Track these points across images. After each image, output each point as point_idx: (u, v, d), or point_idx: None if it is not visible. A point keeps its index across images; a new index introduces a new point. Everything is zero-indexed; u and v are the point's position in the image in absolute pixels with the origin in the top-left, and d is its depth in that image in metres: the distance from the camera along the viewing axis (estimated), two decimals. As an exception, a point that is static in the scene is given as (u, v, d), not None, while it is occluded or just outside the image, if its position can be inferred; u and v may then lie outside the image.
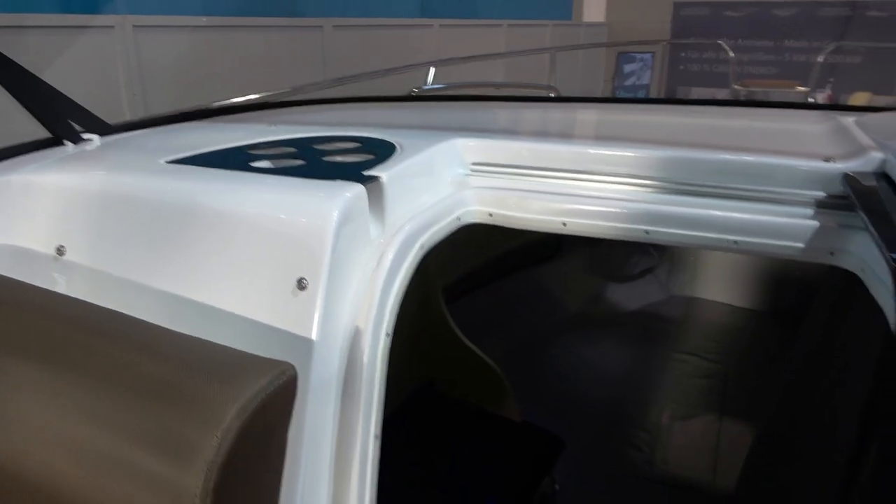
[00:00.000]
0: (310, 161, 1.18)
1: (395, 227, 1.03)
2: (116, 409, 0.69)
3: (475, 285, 3.45)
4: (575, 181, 1.14)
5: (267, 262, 0.91)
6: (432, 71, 3.75)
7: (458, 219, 1.17)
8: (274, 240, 0.92)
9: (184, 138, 1.45)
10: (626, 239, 1.11)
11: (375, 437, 0.93)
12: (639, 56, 10.00)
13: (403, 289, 0.98)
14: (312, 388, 0.85)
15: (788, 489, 1.85)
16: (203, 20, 4.58)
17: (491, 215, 1.19)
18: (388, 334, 0.95)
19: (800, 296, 3.98)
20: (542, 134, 1.52)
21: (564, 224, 1.13)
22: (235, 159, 1.19)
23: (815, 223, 0.97)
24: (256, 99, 2.47)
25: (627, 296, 4.14)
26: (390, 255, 0.97)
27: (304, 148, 1.25)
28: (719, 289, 4.19)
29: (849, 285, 1.59)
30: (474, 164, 1.21)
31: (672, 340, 3.68)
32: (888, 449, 1.26)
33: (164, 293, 0.95)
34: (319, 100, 2.34)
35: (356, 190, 0.97)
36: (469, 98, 2.84)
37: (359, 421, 0.90)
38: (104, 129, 1.46)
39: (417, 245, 1.04)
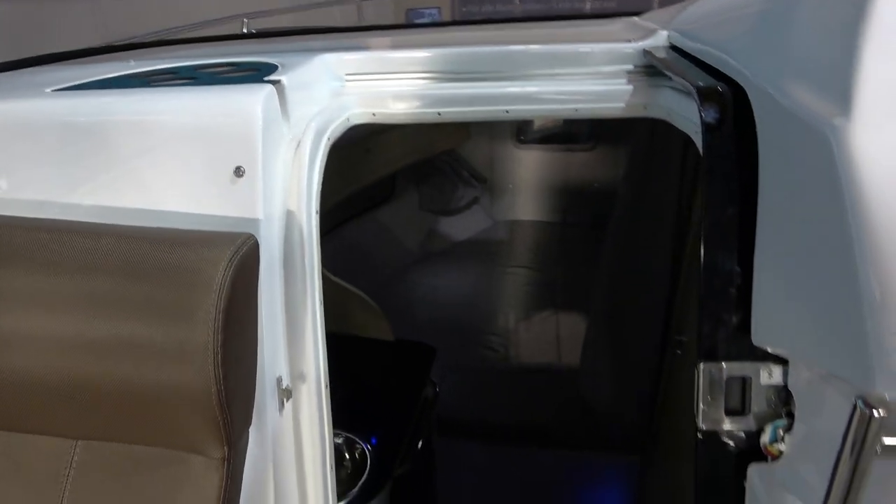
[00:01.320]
0: (202, 79, 1.24)
1: (300, 125, 1.16)
2: (110, 290, 0.76)
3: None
4: (442, 80, 1.34)
5: (201, 159, 1.00)
6: (246, 21, 3.69)
7: (348, 120, 1.31)
8: (205, 137, 1.00)
9: (51, 76, 1.39)
10: (492, 119, 1.36)
11: (320, 302, 1.08)
12: (426, 11, 10.38)
13: (321, 175, 1.12)
14: (263, 262, 0.97)
15: (623, 345, 2.29)
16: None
17: (374, 115, 1.35)
18: (317, 212, 1.09)
19: (600, 205, 4.64)
20: (398, 47, 1.68)
21: (439, 114, 1.34)
22: (128, 84, 1.21)
23: (629, 87, 1.27)
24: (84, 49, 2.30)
25: (459, 227, 4.51)
26: (307, 145, 1.11)
27: (187, 72, 1.30)
28: (535, 209, 4.72)
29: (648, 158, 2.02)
30: (348, 74, 1.36)
31: (504, 259, 4.11)
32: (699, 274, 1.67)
33: (106, 208, 0.99)
34: (149, 43, 2.27)
35: (268, 89, 1.08)
36: (301, 32, 2.90)
37: (306, 290, 1.04)
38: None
39: (325, 138, 1.18)
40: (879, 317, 0.62)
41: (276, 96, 1.10)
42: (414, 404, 2.28)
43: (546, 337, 3.15)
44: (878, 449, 0.64)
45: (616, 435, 2.54)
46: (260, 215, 0.98)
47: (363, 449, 1.99)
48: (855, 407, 0.63)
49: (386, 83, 1.36)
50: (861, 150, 0.65)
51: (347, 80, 1.37)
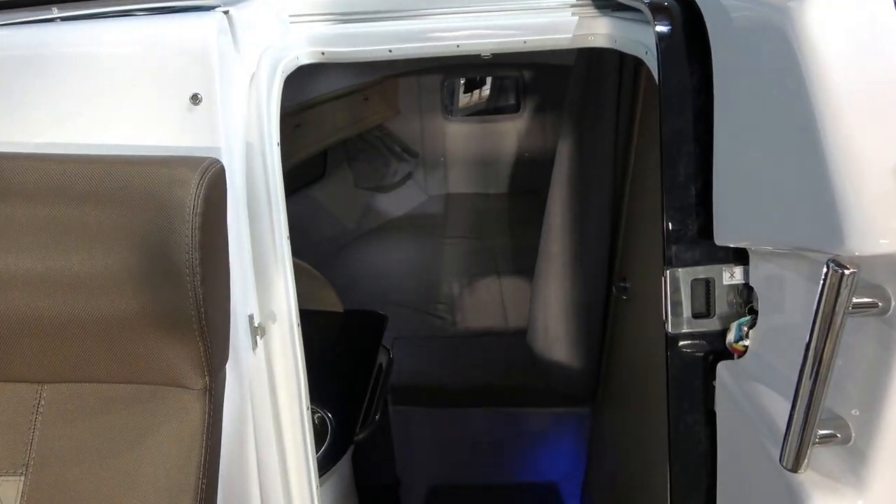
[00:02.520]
0: (148, 11, 1.17)
1: (252, 59, 1.11)
2: (76, 217, 0.71)
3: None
4: (391, 19, 1.31)
5: (155, 88, 0.94)
6: None
7: (297, 58, 1.27)
8: (158, 65, 0.95)
9: None
10: (441, 54, 1.34)
11: (287, 237, 1.04)
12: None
13: (279, 108, 1.08)
14: (227, 194, 0.93)
15: (569, 294, 2.34)
16: None
17: (323, 54, 1.31)
18: (278, 144, 1.05)
19: (531, 172, 4.74)
20: None
21: (390, 51, 1.32)
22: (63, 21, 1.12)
23: (574, 18, 1.25)
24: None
25: (395, 203, 4.49)
26: (263, 77, 1.06)
27: (128, 9, 1.22)
28: (468, 181, 4.75)
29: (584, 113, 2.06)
30: (293, 16, 1.31)
31: (442, 231, 4.13)
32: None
33: (56, 145, 0.91)
34: None
35: (220, 15, 1.03)
36: None
37: (272, 224, 1.01)
38: None
39: (279, 71, 1.13)
40: (845, 179, 0.66)
41: (227, 24, 1.05)
42: (370, 371, 2.26)
43: (490, 301, 3.19)
44: (850, 307, 0.68)
45: (566, 388, 2.61)
46: (221, 143, 0.94)
47: (323, 416, 1.96)
48: (827, 269, 0.67)
49: (333, 25, 1.32)
50: (815, 25, 0.69)
51: (292, 23, 1.32)
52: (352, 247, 3.95)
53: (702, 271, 1.00)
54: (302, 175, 3.88)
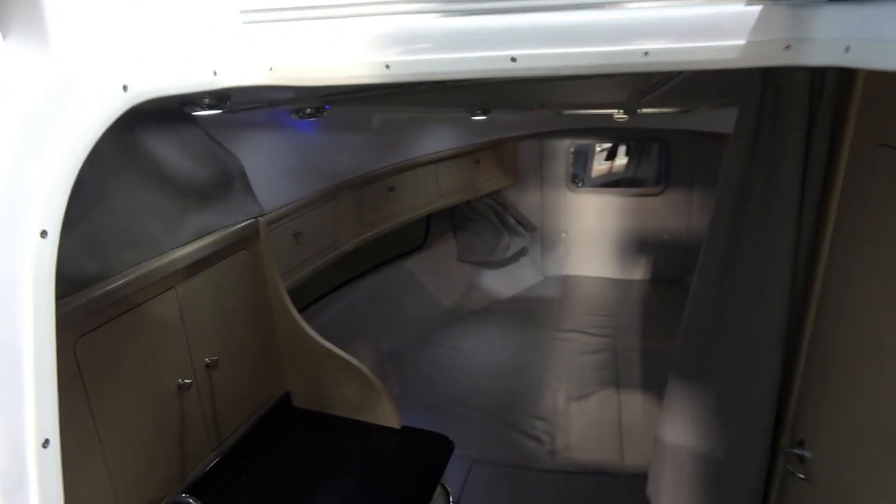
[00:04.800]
0: None
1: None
2: None
3: (329, 288, 3.02)
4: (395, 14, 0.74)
5: None
6: None
7: (215, 74, 0.74)
8: None
9: None
10: (491, 76, 0.73)
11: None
12: None
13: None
14: None
15: (712, 449, 1.60)
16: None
17: (272, 69, 0.76)
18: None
19: (672, 259, 3.95)
20: None
21: (388, 66, 0.73)
22: None
23: (755, 8, 0.65)
24: None
25: (503, 283, 3.90)
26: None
27: None
28: (591, 264, 4.06)
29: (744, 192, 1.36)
30: (245, 11, 0.79)
31: (555, 321, 3.45)
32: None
33: None
34: None
35: None
36: None
37: None
38: None
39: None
40: None
41: None
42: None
43: (605, 424, 2.46)
44: None
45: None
46: None
47: None
48: None
49: (305, 25, 0.78)
50: None
51: (244, 21, 0.80)
52: (445, 329, 3.38)
53: None
54: (397, 244, 3.43)
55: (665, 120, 3.34)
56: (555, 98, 2.02)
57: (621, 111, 2.69)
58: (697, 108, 2.72)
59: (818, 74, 1.21)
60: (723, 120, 2.79)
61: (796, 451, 1.32)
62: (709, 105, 2.33)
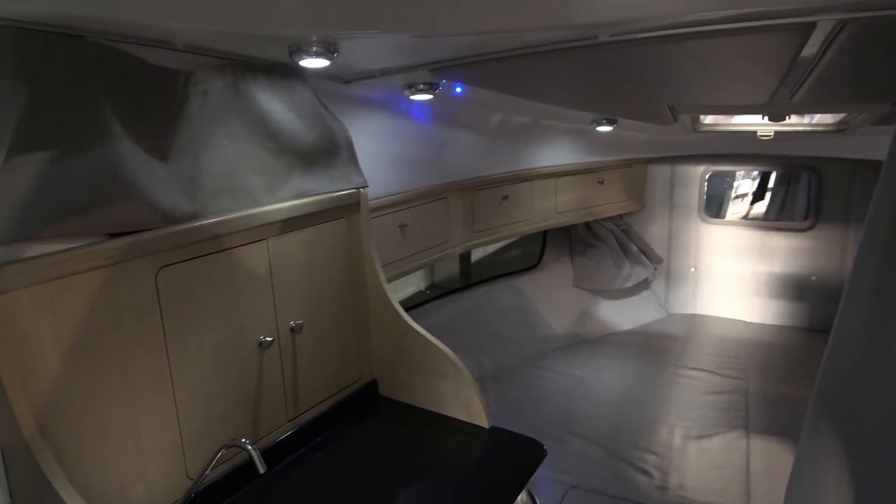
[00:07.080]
0: None
1: None
2: None
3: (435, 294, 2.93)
4: None
5: None
6: None
7: None
8: None
9: None
10: None
11: None
12: None
13: None
14: None
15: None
16: None
17: None
18: None
19: (823, 306, 3.47)
20: None
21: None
22: None
23: None
24: None
25: (620, 314, 3.61)
26: None
27: None
28: (722, 303, 3.66)
29: None
30: None
31: (676, 357, 3.13)
32: None
33: None
34: None
35: None
36: None
37: None
38: None
39: None
40: None
41: None
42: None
43: (730, 469, 2.13)
44: None
45: None
46: None
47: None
48: None
49: None
50: None
51: None
52: (553, 355, 3.17)
53: None
54: (510, 259, 3.29)
55: (817, 145, 2.98)
56: (685, 95, 1.82)
57: (766, 118, 2.42)
58: (855, 127, 2.39)
59: None
60: (884, 146, 2.43)
61: None
62: (872, 111, 2.03)
